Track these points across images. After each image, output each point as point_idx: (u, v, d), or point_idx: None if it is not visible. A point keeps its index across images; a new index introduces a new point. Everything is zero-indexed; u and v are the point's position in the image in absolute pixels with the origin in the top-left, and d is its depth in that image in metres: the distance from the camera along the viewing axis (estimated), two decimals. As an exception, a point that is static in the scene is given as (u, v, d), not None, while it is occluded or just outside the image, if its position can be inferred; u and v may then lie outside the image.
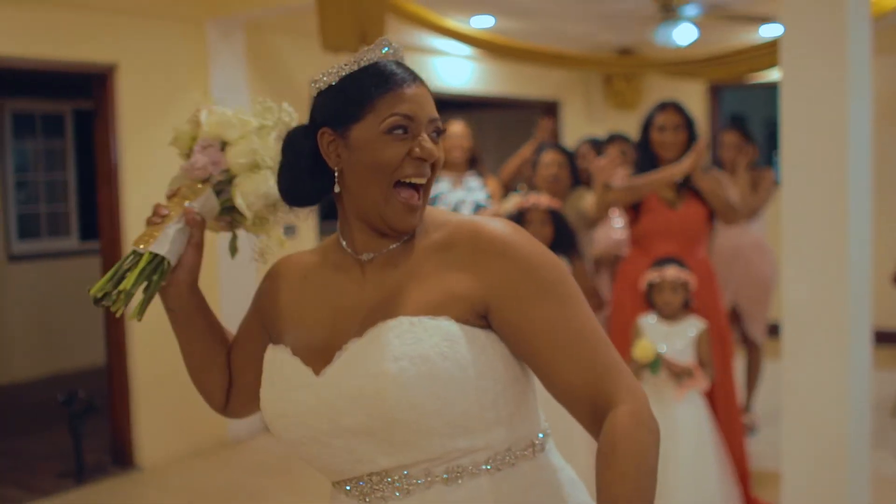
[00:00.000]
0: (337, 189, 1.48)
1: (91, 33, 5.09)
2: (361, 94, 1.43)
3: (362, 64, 1.46)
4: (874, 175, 3.89)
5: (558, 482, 1.48)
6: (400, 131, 1.42)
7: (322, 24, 4.50)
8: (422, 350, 1.35)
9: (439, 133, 1.47)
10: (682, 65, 6.76)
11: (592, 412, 1.37)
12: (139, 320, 1.57)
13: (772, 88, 5.79)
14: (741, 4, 6.44)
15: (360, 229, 1.49)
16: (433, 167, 1.46)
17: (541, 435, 1.49)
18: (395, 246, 1.48)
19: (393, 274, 1.47)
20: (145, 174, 5.35)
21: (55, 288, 7.97)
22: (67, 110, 8.17)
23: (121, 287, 1.54)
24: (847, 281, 3.68)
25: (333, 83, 1.47)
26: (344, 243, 1.52)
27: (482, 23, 6.80)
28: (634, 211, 4.33)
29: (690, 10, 6.30)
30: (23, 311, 7.81)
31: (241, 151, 1.64)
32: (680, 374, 3.82)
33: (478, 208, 5.17)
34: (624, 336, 4.13)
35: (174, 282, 1.60)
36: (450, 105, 7.85)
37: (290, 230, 6.03)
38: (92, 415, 5.34)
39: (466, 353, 1.37)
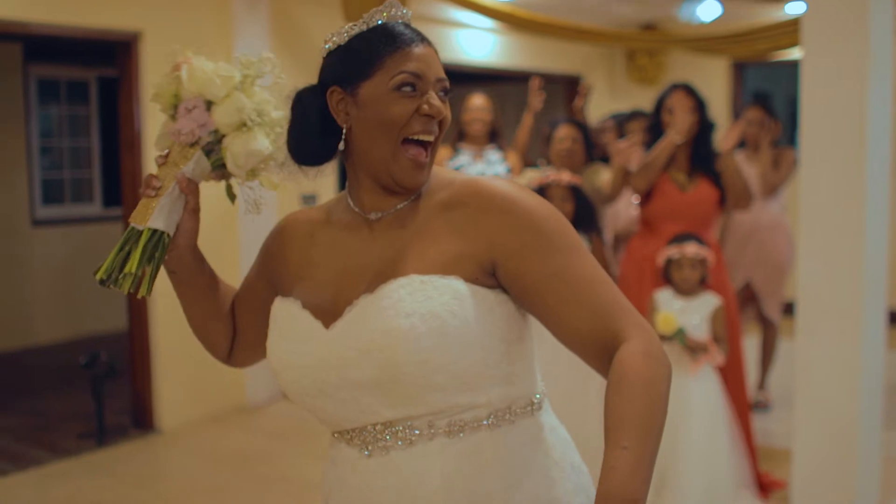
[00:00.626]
0: (342, 146, 1.52)
1: (116, 1, 5.13)
2: (371, 52, 1.47)
3: (371, 24, 1.49)
4: (893, 154, 3.88)
5: (552, 441, 1.53)
6: (408, 88, 1.46)
7: (345, -6, 4.52)
8: (432, 307, 1.39)
9: (447, 92, 1.51)
10: (705, 41, 6.74)
11: (602, 352, 1.39)
12: (148, 296, 1.60)
13: (794, 66, 5.77)
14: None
15: (369, 188, 1.53)
16: (440, 125, 1.50)
17: (538, 395, 1.54)
18: (402, 205, 1.52)
19: (401, 233, 1.50)
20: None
21: (78, 253, 8.07)
22: (92, 77, 8.23)
23: (126, 269, 1.55)
24: (863, 261, 3.69)
25: (342, 43, 1.51)
26: (351, 202, 1.56)
27: (505, -4, 6.79)
28: (646, 192, 4.35)
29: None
30: (46, 275, 7.92)
31: (228, 110, 1.58)
32: (695, 349, 3.85)
33: (497, 181, 5.20)
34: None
35: (174, 247, 1.62)
36: (471, 77, 7.86)
37: (309, 199, 6.09)
38: (113, 378, 5.43)
39: (474, 312, 1.41)
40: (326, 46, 1.54)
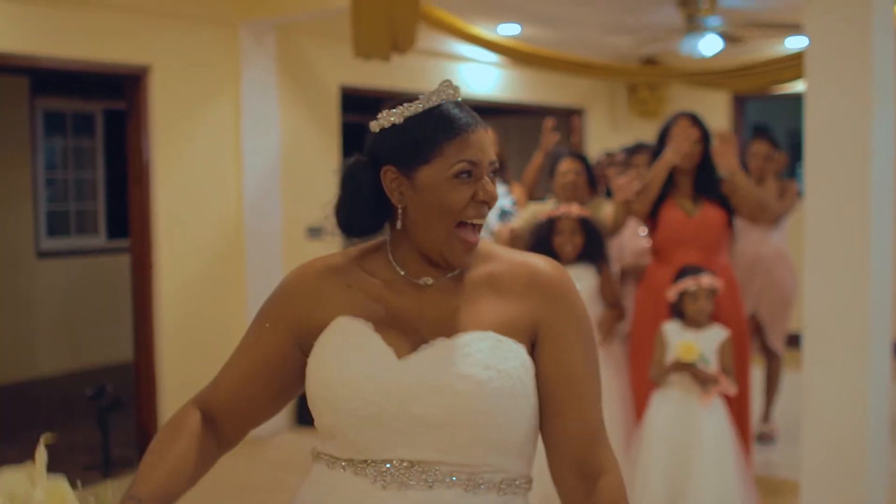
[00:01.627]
0: (399, 225, 1.54)
1: (126, 35, 5.20)
2: (428, 137, 1.49)
3: (427, 106, 1.51)
4: (896, 186, 3.92)
5: None
6: (465, 176, 1.49)
7: (355, 31, 4.58)
8: (508, 367, 1.47)
9: (496, 173, 1.56)
10: (706, 75, 6.80)
11: (579, 466, 1.52)
12: None
13: (795, 99, 5.81)
14: (766, 15, 6.48)
15: (416, 259, 1.57)
16: (491, 205, 1.54)
17: (531, 478, 1.58)
18: (452, 275, 1.57)
19: (450, 297, 1.55)
20: (176, 174, 5.45)
21: (82, 284, 8.09)
22: (98, 110, 8.29)
23: None
24: (868, 292, 3.71)
25: (398, 123, 1.52)
26: (395, 264, 1.58)
27: (509, 31, 6.87)
28: (653, 220, 4.38)
29: (716, 21, 6.35)
30: (50, 306, 7.93)
31: None
32: (706, 382, 3.86)
33: (503, 214, 5.22)
34: (646, 346, 4.18)
35: None
36: (475, 111, 7.92)
37: (315, 231, 6.12)
38: (119, 409, 5.43)
39: (531, 384, 1.51)
40: (380, 124, 1.54)
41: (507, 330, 1.51)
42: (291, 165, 6.10)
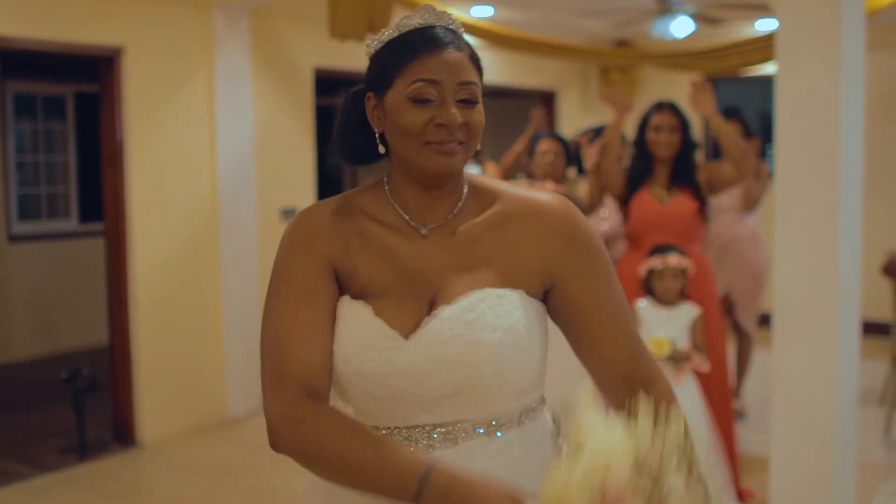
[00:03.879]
0: (382, 150, 1.56)
1: (98, 16, 5.16)
2: (394, 60, 1.49)
3: (402, 30, 1.51)
4: (865, 168, 3.98)
5: (551, 430, 1.62)
6: (423, 98, 1.46)
7: (331, 11, 4.58)
8: (511, 322, 1.48)
9: (473, 98, 1.50)
10: (677, 57, 6.85)
11: (628, 382, 1.52)
12: None
13: (766, 82, 5.88)
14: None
15: (412, 191, 1.55)
16: (468, 131, 1.50)
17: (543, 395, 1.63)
18: (451, 215, 1.55)
19: (454, 242, 1.54)
20: (149, 156, 5.43)
21: (55, 269, 8.05)
22: (69, 93, 8.22)
23: None
24: (837, 272, 3.77)
25: (378, 49, 1.53)
26: (397, 207, 1.56)
27: (482, 13, 6.88)
28: (626, 208, 4.43)
29: (687, 4, 6.39)
30: (23, 291, 7.88)
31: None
32: (679, 359, 3.92)
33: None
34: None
35: None
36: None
37: (289, 213, 6.12)
38: (94, 392, 5.43)
39: (536, 325, 1.52)
40: (368, 52, 1.56)
41: (510, 278, 1.52)
42: (265, 147, 6.09)
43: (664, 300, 4.04)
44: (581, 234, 1.56)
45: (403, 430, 1.51)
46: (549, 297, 1.56)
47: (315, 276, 1.52)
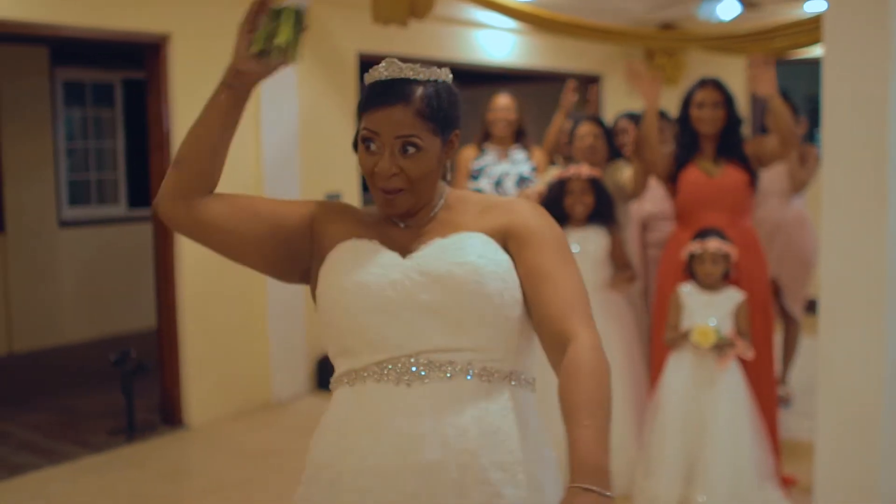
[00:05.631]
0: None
1: (145, 3, 5.22)
2: (359, 104, 1.75)
3: (373, 78, 1.72)
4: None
5: (539, 421, 1.74)
6: (368, 144, 1.70)
7: (373, -3, 4.58)
8: (497, 257, 1.68)
9: (413, 146, 1.68)
10: (724, 40, 6.76)
11: (557, 340, 1.60)
12: (297, 62, 1.78)
13: (814, 65, 5.78)
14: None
15: None
16: (408, 177, 1.69)
17: (534, 378, 1.77)
18: (427, 218, 1.77)
19: (434, 225, 1.76)
20: (195, 142, 5.48)
21: (104, 253, 8.18)
22: (117, 79, 8.34)
23: (277, 41, 1.74)
24: (885, 257, 3.72)
25: (365, 85, 1.75)
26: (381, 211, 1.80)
27: (526, -4, 6.84)
28: (673, 183, 4.40)
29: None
30: (73, 275, 8.03)
31: None
32: (723, 346, 3.89)
33: (521, 180, 5.25)
34: (666, 307, 4.21)
35: (252, 68, 1.78)
36: (492, 78, 7.91)
37: (334, 197, 6.15)
38: (143, 375, 5.52)
39: (514, 273, 1.69)
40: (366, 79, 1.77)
41: (489, 234, 1.72)
42: (310, 133, 6.12)
43: (705, 284, 4.02)
44: (542, 218, 1.74)
45: (393, 366, 1.64)
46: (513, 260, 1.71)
47: (297, 204, 1.83)
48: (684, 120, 4.39)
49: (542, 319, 1.64)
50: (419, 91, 1.68)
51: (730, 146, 4.33)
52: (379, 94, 1.68)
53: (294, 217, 1.79)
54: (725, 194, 4.29)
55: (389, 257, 1.70)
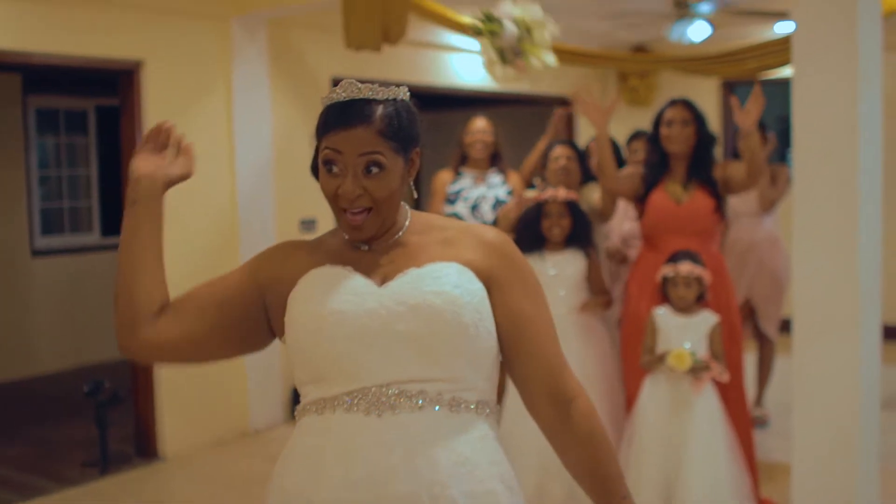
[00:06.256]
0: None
1: (118, 31, 5.21)
2: (318, 127, 1.72)
3: (331, 100, 1.70)
4: (884, 171, 3.95)
5: (506, 450, 1.76)
6: (331, 166, 1.68)
7: (346, 22, 4.58)
8: (473, 287, 1.69)
9: (377, 165, 1.67)
10: (695, 62, 6.81)
11: (552, 398, 1.71)
12: None
13: (784, 85, 5.83)
14: (755, 1, 6.50)
15: None
16: (373, 197, 1.68)
17: (499, 408, 1.78)
18: (392, 240, 1.76)
19: (405, 252, 1.75)
20: (169, 170, 5.45)
21: (78, 282, 8.11)
22: (90, 107, 8.29)
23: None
24: (857, 276, 3.74)
25: (322, 108, 1.73)
26: (345, 235, 1.78)
27: (499, 20, 6.86)
28: (642, 205, 4.41)
29: (704, 8, 6.36)
30: (47, 304, 7.94)
31: None
32: (698, 369, 3.89)
33: (498, 204, 5.25)
34: (635, 329, 4.21)
35: (155, 177, 1.81)
36: (466, 102, 7.93)
37: (309, 223, 6.14)
38: (116, 405, 5.46)
39: (488, 307, 1.71)
40: (322, 101, 1.75)
41: (465, 264, 1.72)
42: (284, 158, 6.11)
43: (678, 308, 4.02)
44: (517, 256, 1.78)
45: (365, 396, 1.62)
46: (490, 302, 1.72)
47: (238, 273, 1.80)
48: (655, 139, 4.40)
49: (531, 374, 1.72)
50: (379, 110, 1.68)
51: (700, 167, 4.33)
52: (339, 116, 1.67)
53: (235, 289, 1.77)
54: (691, 221, 4.28)
55: (364, 285, 1.69)
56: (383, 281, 1.70)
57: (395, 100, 1.71)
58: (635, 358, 4.16)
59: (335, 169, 1.68)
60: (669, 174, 4.36)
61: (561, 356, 1.74)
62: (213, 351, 1.79)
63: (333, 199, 1.70)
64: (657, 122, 4.40)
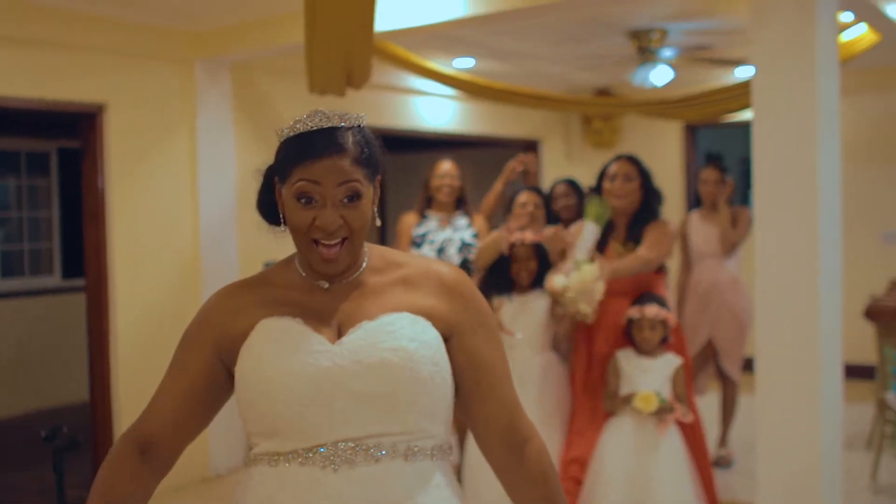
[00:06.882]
0: (283, 228, 1.70)
1: (80, 73, 5.18)
2: (286, 159, 1.64)
3: (297, 130, 1.65)
4: (845, 211, 4.00)
5: (460, 489, 1.75)
6: (305, 199, 1.62)
7: (309, 67, 4.58)
8: (427, 338, 1.64)
9: (351, 198, 1.62)
10: (658, 105, 6.90)
11: (506, 439, 1.71)
12: None
13: (746, 128, 5.92)
14: (716, 48, 6.61)
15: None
16: (350, 226, 1.63)
17: (450, 445, 1.76)
18: (353, 277, 1.71)
19: (361, 293, 1.70)
20: (132, 211, 5.42)
21: (37, 325, 7.98)
22: (52, 149, 8.23)
23: None
24: (818, 316, 3.77)
25: (281, 141, 1.68)
26: (300, 269, 1.72)
27: (463, 64, 6.94)
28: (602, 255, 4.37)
29: (666, 53, 6.46)
30: (5, 348, 7.81)
31: None
32: (663, 411, 3.90)
33: (464, 246, 5.25)
34: (597, 370, 4.19)
35: None
36: (431, 144, 7.97)
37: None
38: (75, 451, 5.34)
39: (445, 356, 1.68)
40: (279, 137, 1.69)
41: (422, 311, 1.68)
42: (248, 201, 6.05)
43: (643, 350, 4.04)
44: (476, 298, 1.76)
45: (326, 449, 1.57)
46: (448, 347, 1.70)
47: (195, 353, 1.71)
48: (598, 192, 4.37)
49: (487, 416, 1.71)
50: (350, 138, 1.64)
51: (641, 226, 4.24)
52: (312, 145, 1.61)
53: (200, 375, 1.70)
54: (629, 282, 4.18)
55: (317, 342, 1.61)
56: (338, 333, 1.64)
57: (360, 126, 1.68)
58: (583, 400, 4.14)
59: (313, 201, 1.61)
60: (613, 231, 4.30)
61: (516, 398, 1.74)
62: (206, 423, 1.76)
63: (306, 231, 1.62)
64: (601, 176, 4.38)
